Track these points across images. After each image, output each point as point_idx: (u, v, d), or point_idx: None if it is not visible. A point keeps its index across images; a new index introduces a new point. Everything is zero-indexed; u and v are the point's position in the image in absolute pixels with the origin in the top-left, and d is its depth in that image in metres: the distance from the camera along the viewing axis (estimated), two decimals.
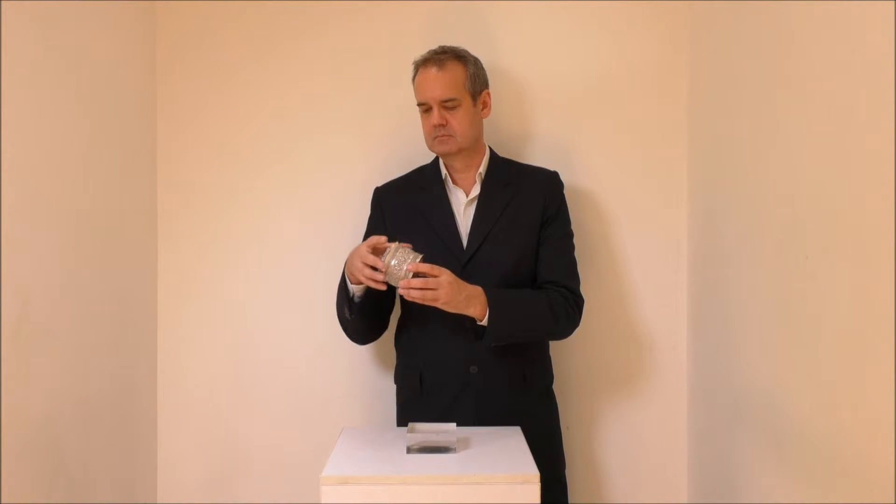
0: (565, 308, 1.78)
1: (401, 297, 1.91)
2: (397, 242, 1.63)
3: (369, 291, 1.75)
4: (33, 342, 1.58)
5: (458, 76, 1.79)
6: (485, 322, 1.70)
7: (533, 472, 1.34)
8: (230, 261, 2.13)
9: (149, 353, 2.10)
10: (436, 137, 1.80)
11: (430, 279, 1.60)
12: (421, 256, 1.62)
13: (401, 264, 1.60)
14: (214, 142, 2.13)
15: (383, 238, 1.65)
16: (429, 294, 1.61)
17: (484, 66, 1.88)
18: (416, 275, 1.60)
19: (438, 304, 1.63)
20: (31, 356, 1.57)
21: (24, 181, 1.55)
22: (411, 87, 1.87)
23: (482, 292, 1.69)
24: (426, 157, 1.95)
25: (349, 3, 2.11)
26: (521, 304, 1.75)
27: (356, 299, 1.77)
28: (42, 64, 1.62)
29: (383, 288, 1.65)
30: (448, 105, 1.78)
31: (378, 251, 1.64)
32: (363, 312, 1.79)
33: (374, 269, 1.62)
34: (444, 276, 1.62)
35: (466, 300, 1.66)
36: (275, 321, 2.12)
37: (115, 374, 1.92)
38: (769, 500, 1.55)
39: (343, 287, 1.78)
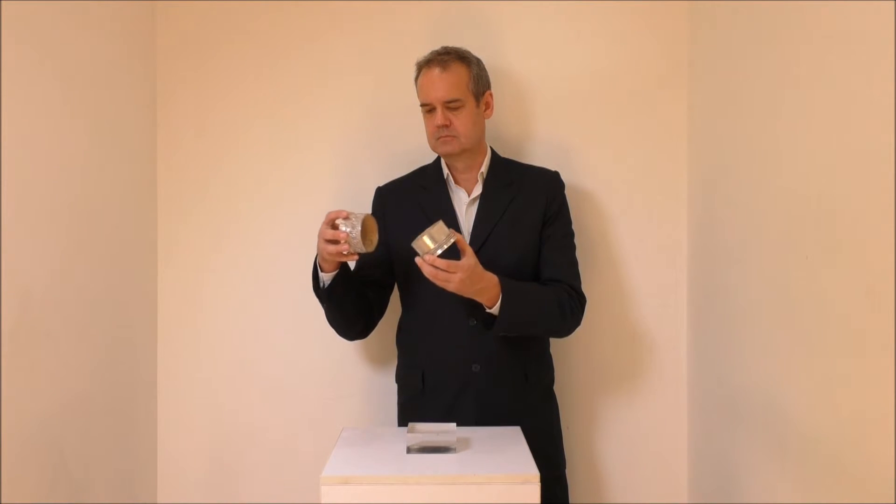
0: (570, 305, 1.79)
1: (401, 296, 1.92)
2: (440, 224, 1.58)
3: (338, 279, 1.72)
4: (33, 342, 1.58)
5: (461, 77, 1.79)
6: (495, 311, 1.69)
7: (533, 473, 1.34)
8: (230, 260, 2.13)
9: (149, 353, 2.10)
10: (439, 138, 1.80)
11: (442, 272, 1.57)
12: (454, 239, 1.57)
13: (354, 230, 1.56)
14: (214, 141, 2.13)
15: (343, 212, 1.60)
16: (440, 280, 1.58)
17: (485, 66, 1.88)
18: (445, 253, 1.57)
19: (448, 289, 1.61)
20: (31, 356, 1.57)
21: (24, 182, 1.55)
22: (413, 87, 1.87)
23: (497, 284, 1.67)
24: (428, 158, 1.95)
25: (350, 4, 2.11)
26: (532, 297, 1.74)
27: (323, 285, 1.74)
28: (42, 65, 1.62)
29: (353, 258, 1.63)
30: (451, 106, 1.78)
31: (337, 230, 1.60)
32: (336, 303, 1.77)
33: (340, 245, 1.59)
34: (459, 273, 1.58)
35: (477, 293, 1.65)
36: (275, 320, 2.12)
37: (115, 374, 1.92)
38: (769, 500, 1.55)
39: (315, 277, 1.76)
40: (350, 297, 1.78)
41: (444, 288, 1.60)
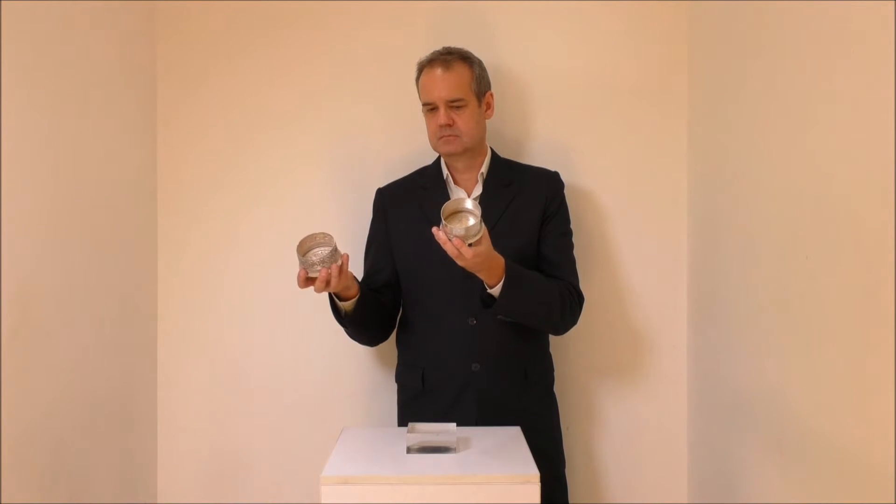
0: (570, 300, 1.79)
1: (403, 295, 1.92)
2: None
3: (359, 302, 1.75)
4: (33, 342, 1.58)
5: (464, 77, 1.80)
6: (496, 291, 1.67)
7: (533, 472, 1.34)
8: (230, 261, 2.13)
9: (149, 353, 2.10)
10: (441, 137, 1.80)
11: (457, 250, 1.55)
12: (480, 235, 1.58)
13: (315, 262, 1.64)
14: (215, 142, 2.13)
15: (300, 273, 1.66)
16: (454, 254, 1.57)
17: (485, 66, 1.88)
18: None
19: (457, 262, 1.58)
20: (31, 356, 1.57)
21: (24, 182, 1.55)
22: (414, 89, 1.87)
23: (502, 266, 1.65)
24: (428, 159, 1.95)
25: (350, 4, 2.11)
26: (534, 283, 1.73)
27: (346, 314, 1.77)
28: (42, 65, 1.62)
29: (342, 258, 1.65)
30: (455, 105, 1.78)
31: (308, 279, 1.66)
32: (360, 322, 1.80)
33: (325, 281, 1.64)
34: (475, 257, 1.56)
35: (482, 270, 1.63)
36: (275, 321, 2.12)
37: (115, 374, 1.92)
38: (769, 500, 1.55)
39: (334, 309, 1.78)
40: (369, 313, 1.81)
41: (453, 258, 1.57)
